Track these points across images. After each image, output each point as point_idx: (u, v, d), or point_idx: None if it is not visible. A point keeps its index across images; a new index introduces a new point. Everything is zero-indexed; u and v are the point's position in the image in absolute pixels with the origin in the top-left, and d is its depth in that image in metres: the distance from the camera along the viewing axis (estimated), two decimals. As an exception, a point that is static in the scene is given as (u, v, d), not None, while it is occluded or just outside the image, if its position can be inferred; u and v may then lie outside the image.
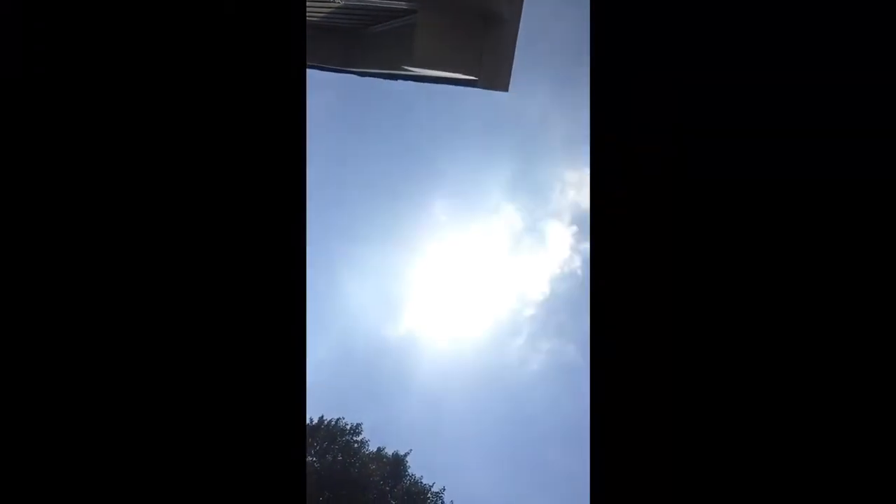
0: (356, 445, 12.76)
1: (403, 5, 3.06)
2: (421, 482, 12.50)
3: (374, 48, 4.15)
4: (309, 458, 12.25)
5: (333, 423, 12.77)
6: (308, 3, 3.56)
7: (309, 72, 4.78)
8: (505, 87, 3.37)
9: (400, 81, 4.14)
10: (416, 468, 12.67)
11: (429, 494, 12.36)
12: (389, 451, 12.89)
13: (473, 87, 3.45)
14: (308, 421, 12.57)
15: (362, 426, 12.97)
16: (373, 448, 12.79)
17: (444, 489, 12.52)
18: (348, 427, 12.81)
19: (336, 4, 3.49)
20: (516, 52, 3.30)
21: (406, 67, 3.45)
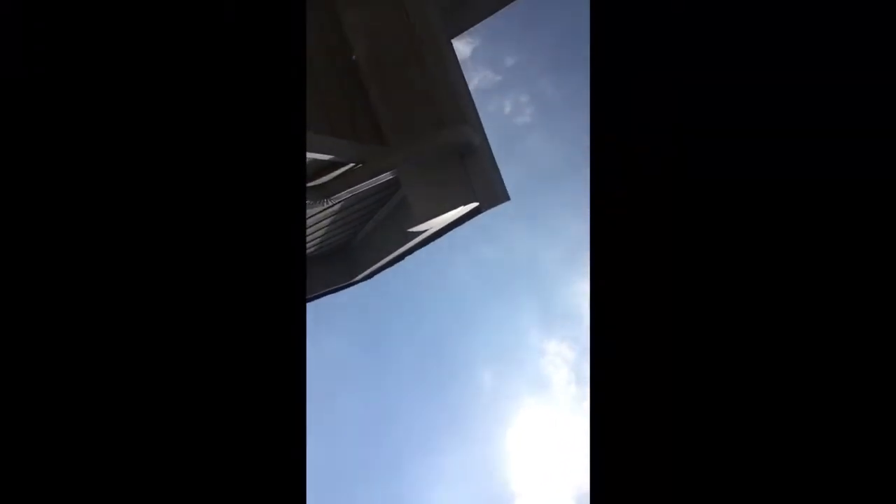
0: None
1: (388, 176, 3.30)
2: None
3: (373, 244, 4.32)
4: None
5: None
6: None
7: (319, 305, 4.83)
8: (506, 198, 3.45)
9: (407, 261, 4.21)
10: None
11: None
12: None
13: (479, 213, 3.53)
14: None
15: None
16: None
17: None
18: None
19: (326, 208, 3.74)
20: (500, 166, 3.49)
21: (410, 231, 3.54)
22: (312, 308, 4.51)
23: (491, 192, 3.40)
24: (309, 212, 3.49)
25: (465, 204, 3.37)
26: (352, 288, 4.54)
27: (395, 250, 4.01)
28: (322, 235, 4.14)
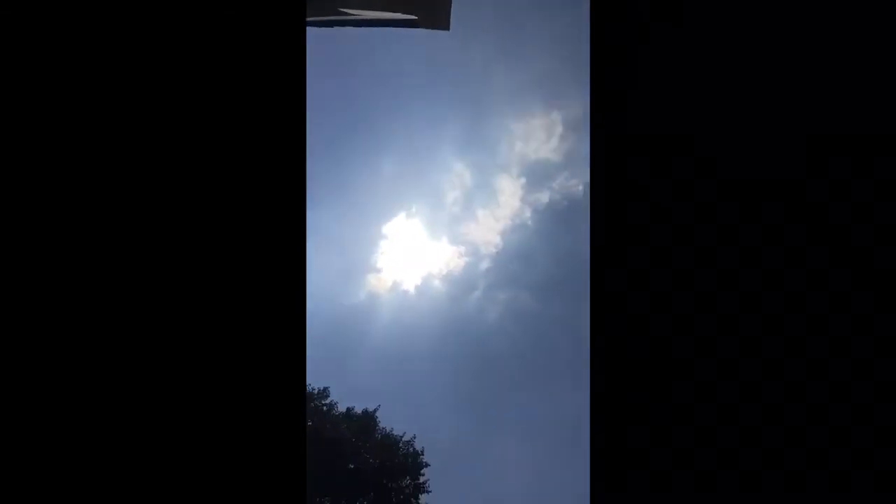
0: (325, 409, 12.93)
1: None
2: (392, 434, 12.93)
3: (305, -6, 3.99)
4: (279, 426, 12.29)
5: (300, 389, 12.83)
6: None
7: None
8: (446, 26, 3.38)
9: (338, 29, 4.04)
10: (386, 422, 13.07)
11: (400, 444, 12.83)
12: (358, 409, 13.18)
13: (414, 27, 3.45)
14: (273, 391, 12.51)
15: (329, 389, 13.13)
16: (342, 409, 13.02)
17: (415, 437, 13.04)
18: (316, 392, 12.93)
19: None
20: (454, -11, 3.31)
21: (345, 11, 3.39)
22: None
23: (434, 13, 3.30)
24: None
25: (404, 13, 3.26)
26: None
27: (323, 14, 3.80)
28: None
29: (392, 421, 13.31)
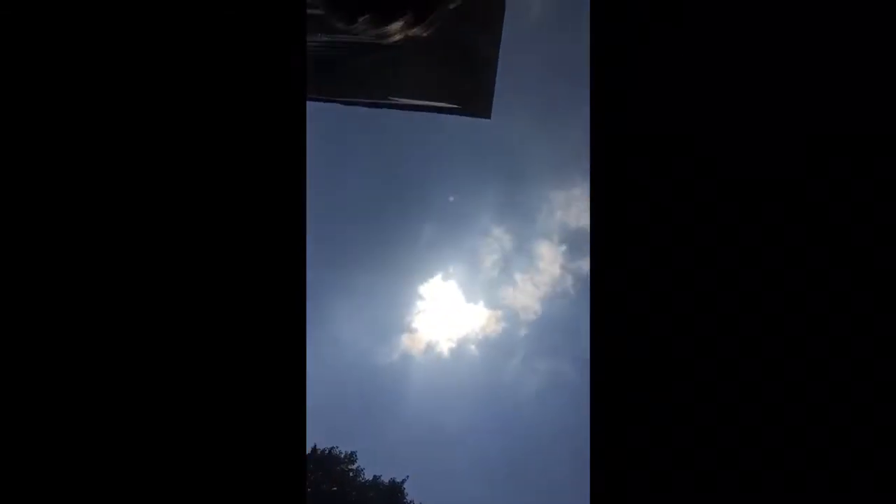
0: (351, 474, 12.51)
1: (388, 41, 3.17)
2: (419, 509, 12.25)
3: (358, 79, 4.25)
4: (303, 490, 11.96)
5: (327, 452, 12.53)
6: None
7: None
8: (487, 115, 3.48)
9: (385, 111, 4.25)
10: (414, 493, 12.44)
11: (427, 521, 12.10)
12: (386, 479, 12.65)
13: (457, 114, 3.56)
14: (301, 451, 12.30)
15: (356, 454, 12.74)
16: (368, 476, 12.54)
17: (443, 514, 12.26)
18: (342, 456, 12.59)
19: (321, 40, 3.60)
20: (497, 80, 3.43)
21: (391, 98, 3.56)
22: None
23: (477, 102, 3.40)
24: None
25: (448, 102, 3.38)
26: (327, 105, 4.56)
27: (373, 98, 4.01)
28: (316, 46, 4.00)
29: (420, 492, 12.69)
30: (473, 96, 3.33)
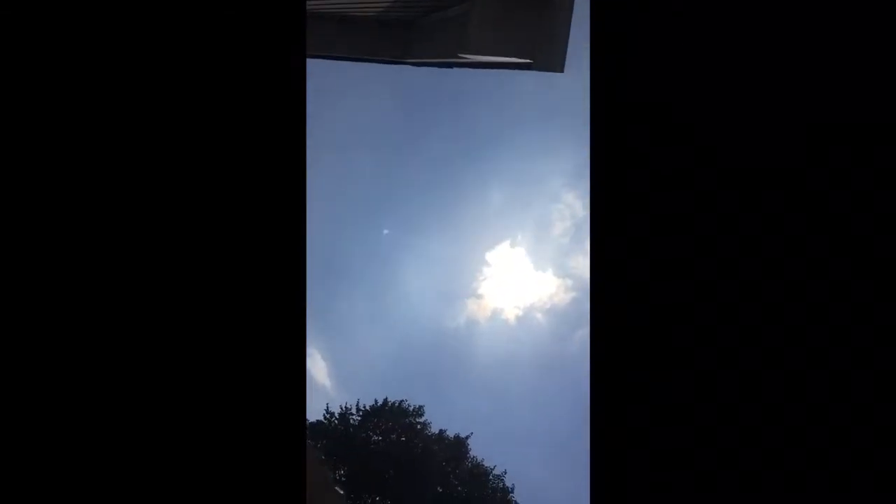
0: (419, 427, 13.17)
1: (458, -6, 3.13)
2: (482, 464, 12.74)
3: (427, 38, 4.24)
4: (374, 437, 12.80)
5: (397, 404, 13.22)
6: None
7: (365, 65, 4.96)
8: (560, 69, 3.36)
9: (455, 70, 4.22)
10: (477, 451, 12.92)
11: (490, 476, 12.58)
12: (451, 433, 13.21)
13: (528, 69, 3.48)
14: (373, 402, 13.10)
15: (424, 408, 13.36)
16: (434, 430, 13.15)
17: (506, 472, 12.70)
18: (411, 409, 13.23)
19: (389, 1, 3.62)
20: (570, 33, 3.29)
21: (461, 55, 3.53)
22: (353, 67, 4.66)
23: (550, 57, 3.30)
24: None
25: (519, 58, 3.31)
26: (395, 66, 4.61)
27: (442, 58, 4.00)
28: (385, 6, 4.02)
29: (483, 451, 13.13)
30: (546, 50, 3.23)
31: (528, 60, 3.31)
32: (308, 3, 3.67)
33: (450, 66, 4.16)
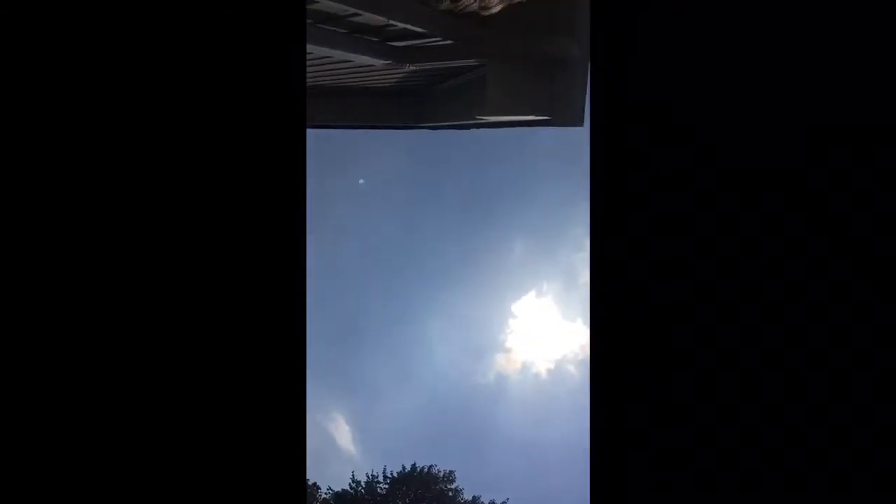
0: (450, 494, 12.50)
1: (472, 62, 3.21)
2: (521, 531, 11.94)
3: (444, 103, 4.33)
4: (404, 508, 12.16)
5: (426, 470, 12.65)
6: (380, 72, 3.82)
7: (382, 132, 5.08)
8: (580, 123, 3.37)
9: (472, 130, 4.27)
10: (515, 517, 12.13)
11: (530, 544, 11.74)
12: (485, 500, 12.50)
13: (547, 126, 3.49)
14: (401, 468, 12.56)
15: (455, 473, 12.73)
16: (468, 497, 12.47)
17: (546, 539, 11.83)
18: (441, 475, 12.63)
19: (407, 70, 3.72)
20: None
21: (478, 117, 3.57)
22: (371, 135, 4.76)
23: (568, 112, 3.32)
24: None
25: (537, 115, 3.33)
26: (412, 131, 4.70)
27: (460, 121, 4.06)
28: (400, 77, 4.15)
29: (521, 516, 12.32)
30: (564, 106, 3.25)
31: (546, 117, 3.33)
32: (309, 80, 3.78)
33: (467, 127, 4.22)
